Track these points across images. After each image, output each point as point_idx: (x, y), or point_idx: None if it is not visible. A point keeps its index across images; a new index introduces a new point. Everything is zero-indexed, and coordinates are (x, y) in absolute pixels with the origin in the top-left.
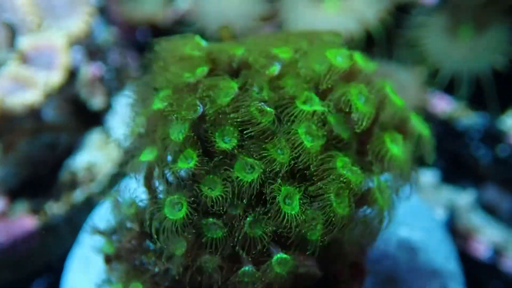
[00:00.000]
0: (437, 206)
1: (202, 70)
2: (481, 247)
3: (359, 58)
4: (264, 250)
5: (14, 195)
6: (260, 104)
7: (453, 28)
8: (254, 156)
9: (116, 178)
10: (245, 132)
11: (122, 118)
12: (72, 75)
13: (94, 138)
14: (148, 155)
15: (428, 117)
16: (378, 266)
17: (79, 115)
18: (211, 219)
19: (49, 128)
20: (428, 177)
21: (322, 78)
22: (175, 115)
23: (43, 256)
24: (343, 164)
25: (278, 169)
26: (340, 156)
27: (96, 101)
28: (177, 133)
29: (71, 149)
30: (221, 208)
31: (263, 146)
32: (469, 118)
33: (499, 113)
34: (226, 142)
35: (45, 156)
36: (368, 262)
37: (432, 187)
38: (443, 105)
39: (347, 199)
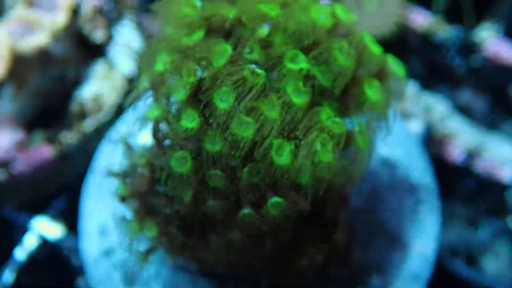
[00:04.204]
0: (416, 116)
1: (199, 35)
2: (456, 151)
3: (340, 11)
4: (261, 195)
5: (30, 127)
6: (252, 67)
7: None
8: (248, 114)
9: (121, 108)
10: (239, 94)
11: (122, 48)
12: (75, 11)
13: (98, 69)
14: (154, 112)
15: (408, 31)
16: (364, 183)
17: (83, 49)
18: (213, 171)
19: (56, 62)
20: (408, 88)
21: (306, 35)
22: (176, 79)
23: (61, 179)
24: (327, 117)
25: (270, 124)
26: (325, 109)
27: (98, 34)
28: (179, 93)
29: (78, 81)
30: (222, 161)
31: (256, 104)
32: (445, 31)
33: (473, 26)
34: (223, 102)
35: (55, 89)
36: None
37: (412, 97)
38: (421, 19)
39: (332, 147)
